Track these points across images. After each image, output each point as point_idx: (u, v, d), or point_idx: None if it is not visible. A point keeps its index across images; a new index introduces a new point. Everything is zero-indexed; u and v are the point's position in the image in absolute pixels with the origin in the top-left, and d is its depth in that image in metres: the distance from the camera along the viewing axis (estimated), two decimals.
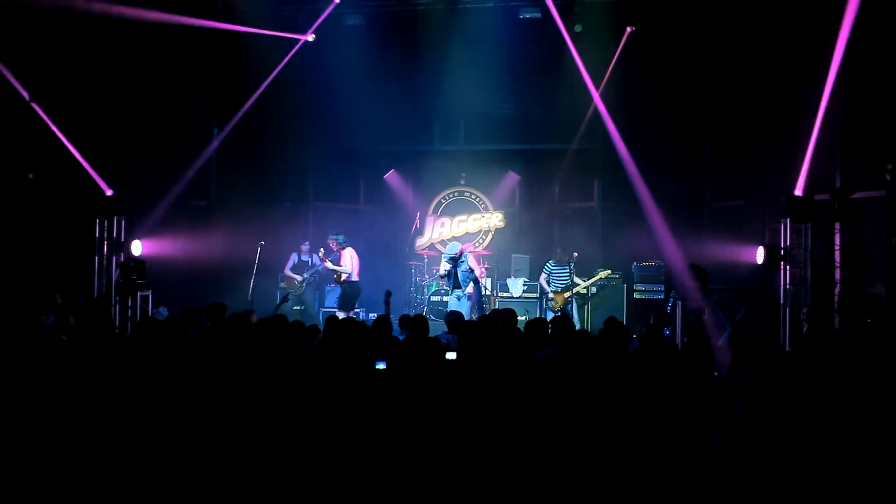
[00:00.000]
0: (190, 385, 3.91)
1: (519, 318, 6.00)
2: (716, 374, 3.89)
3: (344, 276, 8.69)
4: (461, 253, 8.55)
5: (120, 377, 3.96)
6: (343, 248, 8.73)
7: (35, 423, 3.64)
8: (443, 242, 11.94)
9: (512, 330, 5.06)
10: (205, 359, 4.19)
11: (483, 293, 9.07)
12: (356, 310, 10.17)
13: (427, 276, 10.55)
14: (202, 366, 4.11)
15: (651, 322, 6.16)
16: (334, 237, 8.80)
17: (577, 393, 3.64)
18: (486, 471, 3.33)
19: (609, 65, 9.90)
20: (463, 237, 11.76)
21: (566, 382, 3.73)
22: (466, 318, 7.98)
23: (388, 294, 6.66)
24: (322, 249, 9.05)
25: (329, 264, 8.71)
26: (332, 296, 9.97)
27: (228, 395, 3.81)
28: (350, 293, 8.74)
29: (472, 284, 8.36)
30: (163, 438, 3.60)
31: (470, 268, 8.45)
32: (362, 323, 5.08)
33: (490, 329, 4.78)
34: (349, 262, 8.68)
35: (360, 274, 8.85)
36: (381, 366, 4.22)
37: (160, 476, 3.46)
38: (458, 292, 8.46)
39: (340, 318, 7.76)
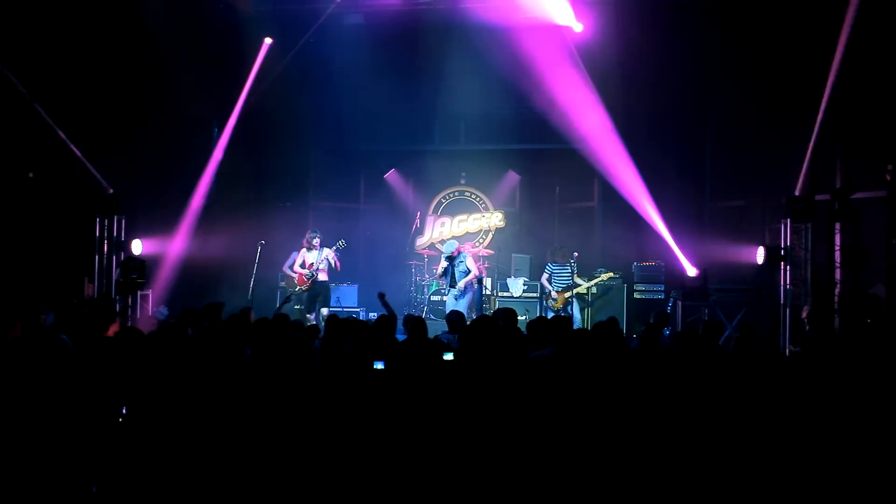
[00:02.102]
0: (189, 385, 3.92)
1: (519, 317, 6.02)
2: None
3: (323, 276, 8.70)
4: (458, 252, 8.56)
5: (122, 376, 3.98)
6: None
7: (33, 424, 3.65)
8: (443, 242, 11.93)
9: (512, 330, 5.07)
10: (204, 358, 4.20)
11: (483, 293, 9.08)
12: (356, 309, 10.20)
13: (427, 276, 10.55)
14: (201, 365, 4.12)
15: (651, 321, 6.17)
16: (318, 235, 8.79)
17: (574, 392, 3.65)
18: (483, 472, 3.34)
19: (610, 63, 9.90)
20: (463, 237, 11.75)
21: (563, 382, 3.74)
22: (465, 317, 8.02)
23: (382, 295, 6.65)
24: (311, 242, 8.90)
25: (328, 255, 8.65)
26: (334, 295, 9.94)
27: (226, 395, 3.82)
28: (329, 290, 8.88)
29: (464, 281, 8.37)
30: (162, 438, 3.61)
31: (468, 268, 8.46)
32: (364, 322, 5.09)
33: (490, 329, 4.78)
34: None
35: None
36: (378, 366, 4.23)
37: (159, 476, 3.48)
38: (454, 291, 8.49)
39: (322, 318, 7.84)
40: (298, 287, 8.86)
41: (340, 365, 4.18)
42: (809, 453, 3.29)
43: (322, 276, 8.73)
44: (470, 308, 8.30)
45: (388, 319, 4.98)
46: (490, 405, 3.57)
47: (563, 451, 3.36)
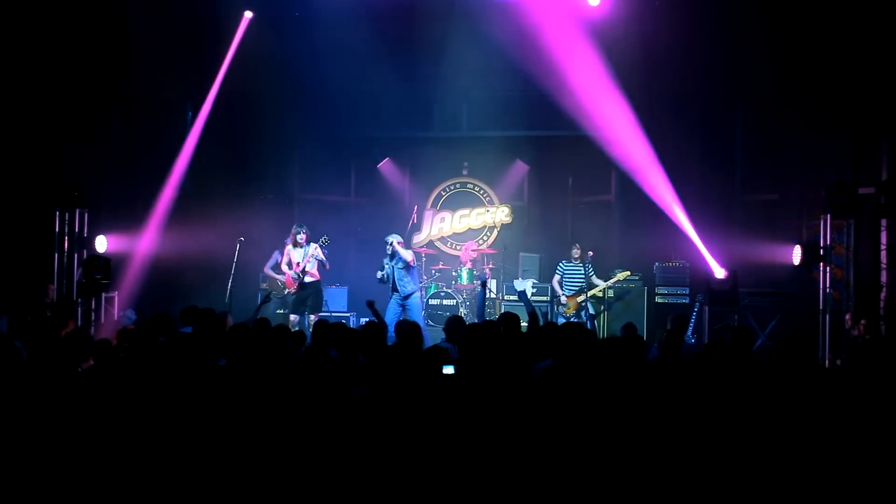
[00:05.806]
0: (159, 397, 3.87)
1: (523, 322, 5.95)
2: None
3: (311, 276, 8.62)
4: (392, 247, 8.24)
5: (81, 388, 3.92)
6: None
7: None
8: (442, 239, 11.90)
9: (514, 338, 4.99)
10: (170, 369, 4.14)
11: (487, 296, 8.98)
12: (347, 314, 10.13)
13: (425, 277, 10.51)
14: (173, 376, 4.06)
15: (669, 327, 6.10)
16: (305, 231, 8.69)
17: (584, 409, 3.57)
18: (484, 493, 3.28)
19: (629, 42, 9.82)
20: (465, 233, 11.72)
21: (571, 397, 3.66)
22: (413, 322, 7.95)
23: (371, 304, 6.60)
24: (297, 238, 8.77)
25: (314, 252, 8.56)
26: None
27: (198, 409, 3.75)
28: (321, 293, 8.81)
29: (404, 271, 8.15)
30: (126, 455, 3.56)
31: (404, 261, 8.19)
32: (353, 330, 5.03)
33: (492, 337, 4.70)
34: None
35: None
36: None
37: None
38: (395, 296, 8.27)
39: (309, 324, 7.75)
40: (287, 289, 8.78)
41: (324, 376, 4.10)
42: (851, 473, 3.22)
43: (310, 277, 8.64)
44: (423, 316, 8.18)
45: (376, 326, 4.90)
46: (493, 425, 3.51)
47: (571, 473, 3.29)
